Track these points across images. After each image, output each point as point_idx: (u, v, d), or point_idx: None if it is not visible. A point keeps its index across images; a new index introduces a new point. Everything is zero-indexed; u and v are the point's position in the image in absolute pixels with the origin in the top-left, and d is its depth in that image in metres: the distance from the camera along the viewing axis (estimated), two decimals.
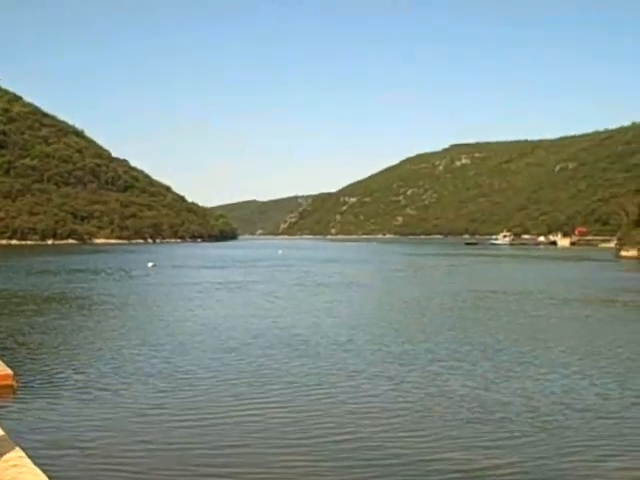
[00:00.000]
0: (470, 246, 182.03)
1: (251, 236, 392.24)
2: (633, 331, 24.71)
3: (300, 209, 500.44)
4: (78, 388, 14.95)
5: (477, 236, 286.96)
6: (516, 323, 26.45)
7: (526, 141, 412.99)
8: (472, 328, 24.84)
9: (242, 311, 29.90)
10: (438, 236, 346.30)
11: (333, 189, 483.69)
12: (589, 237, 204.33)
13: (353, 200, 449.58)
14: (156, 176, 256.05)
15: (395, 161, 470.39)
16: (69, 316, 27.63)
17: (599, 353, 19.63)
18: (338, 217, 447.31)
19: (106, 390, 14.81)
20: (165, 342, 21.15)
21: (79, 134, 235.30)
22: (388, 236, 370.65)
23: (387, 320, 27.08)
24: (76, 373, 16.51)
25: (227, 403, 13.91)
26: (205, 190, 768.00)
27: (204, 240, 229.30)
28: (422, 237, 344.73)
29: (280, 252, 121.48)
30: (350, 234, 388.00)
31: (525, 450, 10.96)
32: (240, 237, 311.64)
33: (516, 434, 11.77)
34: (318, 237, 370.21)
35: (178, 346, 20.40)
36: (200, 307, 31.74)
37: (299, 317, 27.87)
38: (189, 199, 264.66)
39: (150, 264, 69.26)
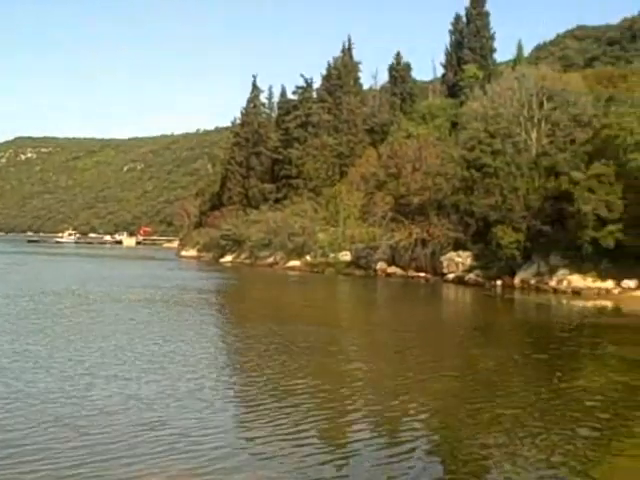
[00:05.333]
0: (33, 244, 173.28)
1: None
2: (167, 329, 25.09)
3: None
4: None
5: (42, 234, 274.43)
6: (68, 325, 25.01)
7: (95, 139, 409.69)
8: (23, 332, 22.68)
9: None
10: None
11: None
12: (154, 237, 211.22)
13: None
14: None
15: None
16: None
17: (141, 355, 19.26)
18: None
19: None
20: None
21: None
22: None
23: None
24: None
25: None
26: None
27: None
28: None
29: None
30: None
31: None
32: None
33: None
34: None
35: None
36: None
37: None
38: None
39: None
